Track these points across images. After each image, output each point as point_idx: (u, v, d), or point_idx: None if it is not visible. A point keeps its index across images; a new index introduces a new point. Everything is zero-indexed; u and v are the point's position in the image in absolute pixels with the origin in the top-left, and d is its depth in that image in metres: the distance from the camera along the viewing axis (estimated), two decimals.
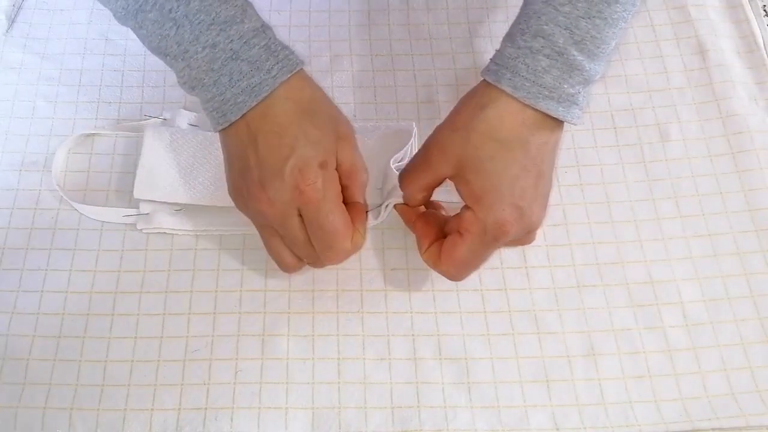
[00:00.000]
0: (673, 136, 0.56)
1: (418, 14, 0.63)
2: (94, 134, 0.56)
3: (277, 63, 0.43)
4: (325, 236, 0.45)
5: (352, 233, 0.45)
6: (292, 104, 0.44)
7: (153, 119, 0.56)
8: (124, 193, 0.54)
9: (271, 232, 0.46)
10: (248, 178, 0.44)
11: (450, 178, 0.46)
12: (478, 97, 0.45)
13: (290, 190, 0.43)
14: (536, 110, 0.43)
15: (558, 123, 0.45)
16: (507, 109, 0.43)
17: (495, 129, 0.43)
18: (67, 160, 0.55)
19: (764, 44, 0.60)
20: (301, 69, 0.45)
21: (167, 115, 0.55)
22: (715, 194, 0.54)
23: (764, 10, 0.62)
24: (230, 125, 0.44)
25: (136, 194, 0.52)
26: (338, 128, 0.45)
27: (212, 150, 0.54)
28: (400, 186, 0.48)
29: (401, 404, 0.47)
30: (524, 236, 0.46)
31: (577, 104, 0.44)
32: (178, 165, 0.53)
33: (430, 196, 0.48)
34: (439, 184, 0.47)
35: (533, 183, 0.44)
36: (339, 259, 0.46)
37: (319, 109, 0.45)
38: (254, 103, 0.43)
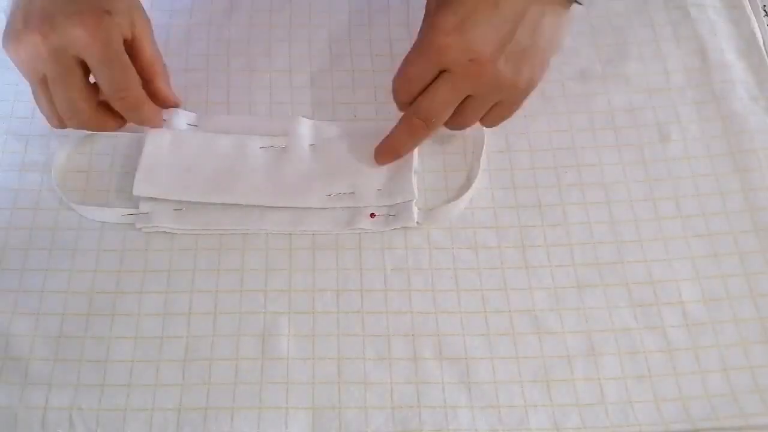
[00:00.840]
0: (673, 136, 0.56)
1: (418, 14, 0.62)
2: (94, 134, 0.56)
3: None
4: (120, 71, 0.45)
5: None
6: None
7: None
8: (124, 192, 0.53)
9: (42, 83, 0.45)
10: (29, 9, 0.43)
11: None
12: None
13: (73, 25, 0.43)
14: None
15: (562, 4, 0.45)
16: None
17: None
18: (67, 160, 0.55)
19: (764, 44, 0.60)
20: None
21: (165, 116, 0.56)
22: (716, 194, 0.54)
23: (764, 10, 0.62)
24: None
25: (136, 191, 0.52)
26: (133, 6, 0.46)
27: (212, 149, 0.54)
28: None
29: (401, 404, 0.47)
30: (498, 92, 0.46)
31: None
32: (178, 164, 0.53)
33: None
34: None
35: (509, 32, 0.44)
36: (132, 102, 0.47)
37: None
38: None
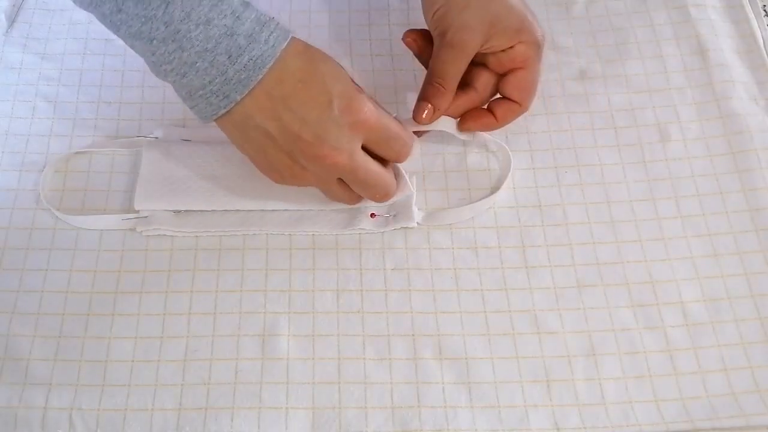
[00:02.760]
0: (674, 136, 0.56)
1: (418, 14, 0.62)
2: (90, 152, 0.56)
3: (272, 33, 0.42)
4: (397, 139, 0.47)
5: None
6: (302, 60, 0.43)
7: (144, 138, 0.56)
8: (122, 205, 0.54)
9: (336, 184, 0.47)
10: (299, 146, 0.44)
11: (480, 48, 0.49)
12: None
13: (349, 128, 0.44)
14: None
15: None
16: None
17: None
18: (65, 178, 0.55)
19: (764, 44, 0.60)
20: (293, 36, 0.44)
21: (158, 133, 0.56)
22: (716, 194, 0.54)
23: (764, 10, 0.62)
24: (239, 103, 0.42)
25: (137, 206, 0.52)
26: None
27: (209, 158, 0.54)
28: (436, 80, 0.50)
29: (401, 404, 0.47)
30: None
31: None
32: (177, 175, 0.53)
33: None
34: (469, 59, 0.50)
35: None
36: (409, 150, 0.48)
37: (327, 58, 0.45)
38: (261, 76, 0.42)
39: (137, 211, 0.52)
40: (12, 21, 0.62)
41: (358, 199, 0.50)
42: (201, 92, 0.43)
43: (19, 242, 0.52)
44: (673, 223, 0.53)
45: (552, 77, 0.59)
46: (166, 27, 0.41)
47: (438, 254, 0.52)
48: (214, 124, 0.56)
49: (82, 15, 0.63)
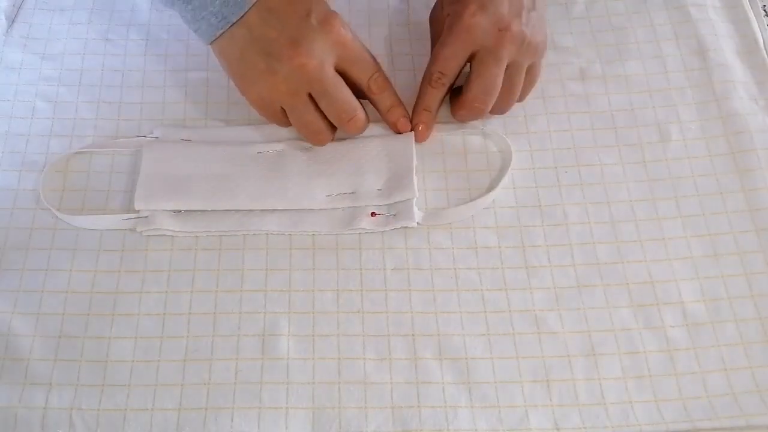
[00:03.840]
0: (674, 136, 0.56)
1: (418, 14, 0.63)
2: (90, 152, 0.56)
3: None
4: (367, 59, 0.51)
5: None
6: None
7: (144, 138, 0.56)
8: (123, 205, 0.54)
9: (304, 101, 0.50)
10: (274, 47, 0.48)
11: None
12: None
13: (323, 39, 0.48)
14: None
15: None
16: None
17: None
18: (65, 178, 0.55)
19: (764, 44, 0.60)
20: None
21: (158, 133, 0.56)
22: (716, 194, 0.54)
23: (764, 10, 0.62)
24: (235, 23, 0.48)
25: (137, 206, 0.52)
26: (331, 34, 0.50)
27: (209, 158, 0.54)
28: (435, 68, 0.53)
29: (401, 404, 0.47)
30: (524, 53, 0.51)
31: None
32: (177, 174, 0.53)
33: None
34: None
35: (519, 3, 0.51)
36: (383, 78, 0.52)
37: None
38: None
39: (137, 211, 0.52)
40: (12, 21, 0.62)
41: (326, 130, 0.52)
42: (203, 13, 0.48)
43: (19, 242, 0.52)
44: (673, 223, 0.53)
45: (552, 77, 0.59)
46: None
47: (438, 254, 0.52)
48: (213, 124, 0.56)
49: (83, 15, 0.63)
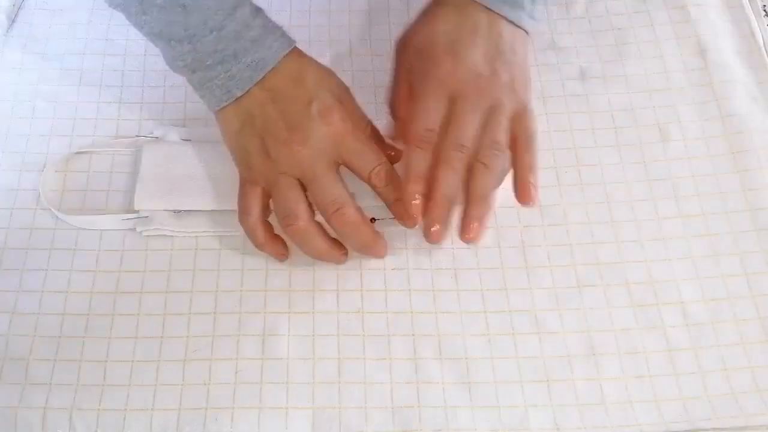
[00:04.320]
0: (674, 136, 0.56)
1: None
2: (90, 152, 0.56)
3: (276, 40, 0.48)
4: (371, 150, 0.48)
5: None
6: (298, 63, 0.48)
7: (144, 138, 0.56)
8: (123, 205, 0.53)
9: (290, 182, 0.47)
10: (272, 130, 0.47)
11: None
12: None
13: (322, 131, 0.47)
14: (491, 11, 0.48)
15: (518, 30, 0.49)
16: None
17: (451, 23, 0.49)
18: (65, 178, 0.55)
19: (764, 44, 0.60)
20: (295, 46, 0.49)
21: (158, 133, 0.56)
22: (715, 194, 0.54)
23: (764, 10, 0.62)
24: (239, 97, 0.47)
25: (137, 205, 0.52)
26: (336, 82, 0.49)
27: (208, 159, 0.54)
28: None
29: (401, 404, 0.47)
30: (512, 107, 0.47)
31: (523, 9, 0.49)
32: (177, 175, 0.53)
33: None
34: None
35: (494, 47, 0.48)
36: (387, 170, 0.49)
37: (322, 67, 0.50)
38: (261, 76, 0.47)
39: (137, 211, 0.52)
40: (12, 21, 0.62)
41: (303, 215, 0.47)
42: (208, 85, 0.48)
43: (19, 242, 0.52)
44: (673, 223, 0.53)
45: (552, 77, 0.59)
46: (185, 31, 0.46)
47: (438, 254, 0.52)
48: (213, 124, 0.56)
49: (83, 15, 0.63)
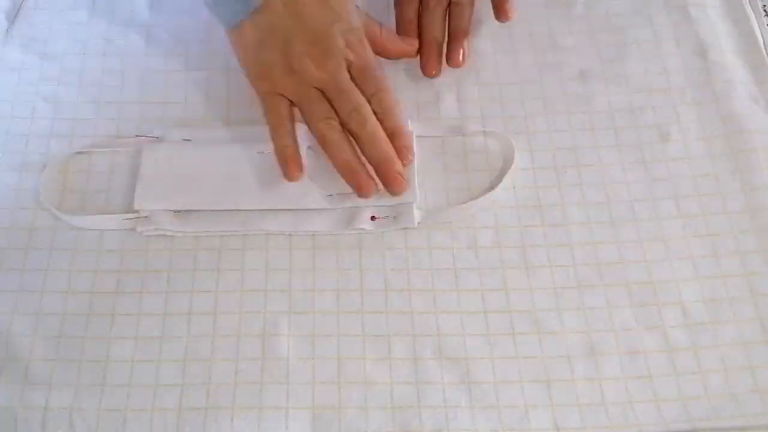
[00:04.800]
0: (674, 136, 0.56)
1: None
2: (90, 152, 0.56)
3: None
4: (377, 80, 0.52)
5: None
6: None
7: (145, 137, 0.56)
8: (123, 205, 0.53)
9: (316, 95, 0.51)
10: (294, 44, 0.49)
11: None
12: None
13: (341, 44, 0.49)
14: None
15: None
16: None
17: None
18: (65, 178, 0.55)
19: (764, 44, 0.60)
20: None
21: (158, 133, 0.56)
22: (716, 194, 0.53)
23: (764, 10, 0.62)
24: (258, 10, 0.48)
25: (137, 205, 0.52)
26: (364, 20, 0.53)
27: (209, 158, 0.54)
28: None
29: (401, 404, 0.47)
30: None
31: None
32: (177, 174, 0.53)
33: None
34: None
35: None
36: (392, 101, 0.53)
37: None
38: None
39: (137, 211, 0.52)
40: (12, 21, 0.62)
41: (335, 120, 0.51)
42: (225, 5, 0.50)
43: (19, 242, 0.52)
44: (673, 223, 0.53)
45: (552, 77, 0.59)
46: None
47: (438, 254, 0.52)
48: (213, 124, 0.56)
49: (83, 15, 0.63)
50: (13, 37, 0.61)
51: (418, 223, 0.52)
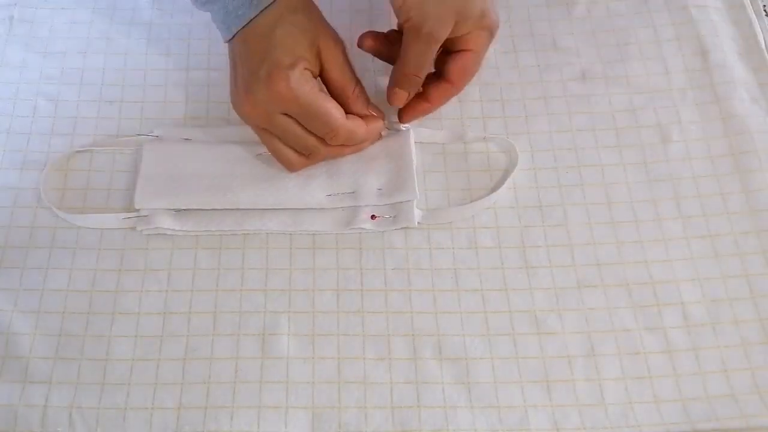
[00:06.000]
0: (674, 137, 0.56)
1: None
2: (91, 151, 0.56)
3: None
4: (318, 119, 0.49)
5: (358, 120, 0.51)
6: (280, 13, 0.48)
7: (145, 136, 0.56)
8: (123, 204, 0.54)
9: (267, 134, 0.50)
10: (237, 83, 0.49)
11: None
12: None
13: (266, 90, 0.47)
14: None
15: None
16: None
17: None
18: (66, 176, 0.55)
19: (766, 45, 0.60)
20: None
21: (159, 132, 0.56)
22: (716, 195, 0.53)
23: (765, 11, 0.62)
24: (234, 37, 0.49)
25: (137, 204, 0.52)
26: (318, 39, 0.49)
27: (209, 158, 0.54)
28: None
29: (401, 404, 0.47)
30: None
31: None
32: (177, 174, 0.53)
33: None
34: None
35: None
36: (343, 137, 0.50)
37: (302, 21, 0.49)
38: (253, 14, 0.48)
39: (138, 210, 0.52)
40: (13, 19, 0.62)
41: (297, 160, 0.52)
42: (215, 19, 0.51)
43: (20, 241, 0.52)
44: (673, 223, 0.53)
45: (553, 78, 0.59)
46: None
47: (438, 254, 0.52)
48: (214, 123, 0.56)
49: (84, 14, 0.63)
50: (15, 35, 0.61)
51: (418, 222, 0.52)
